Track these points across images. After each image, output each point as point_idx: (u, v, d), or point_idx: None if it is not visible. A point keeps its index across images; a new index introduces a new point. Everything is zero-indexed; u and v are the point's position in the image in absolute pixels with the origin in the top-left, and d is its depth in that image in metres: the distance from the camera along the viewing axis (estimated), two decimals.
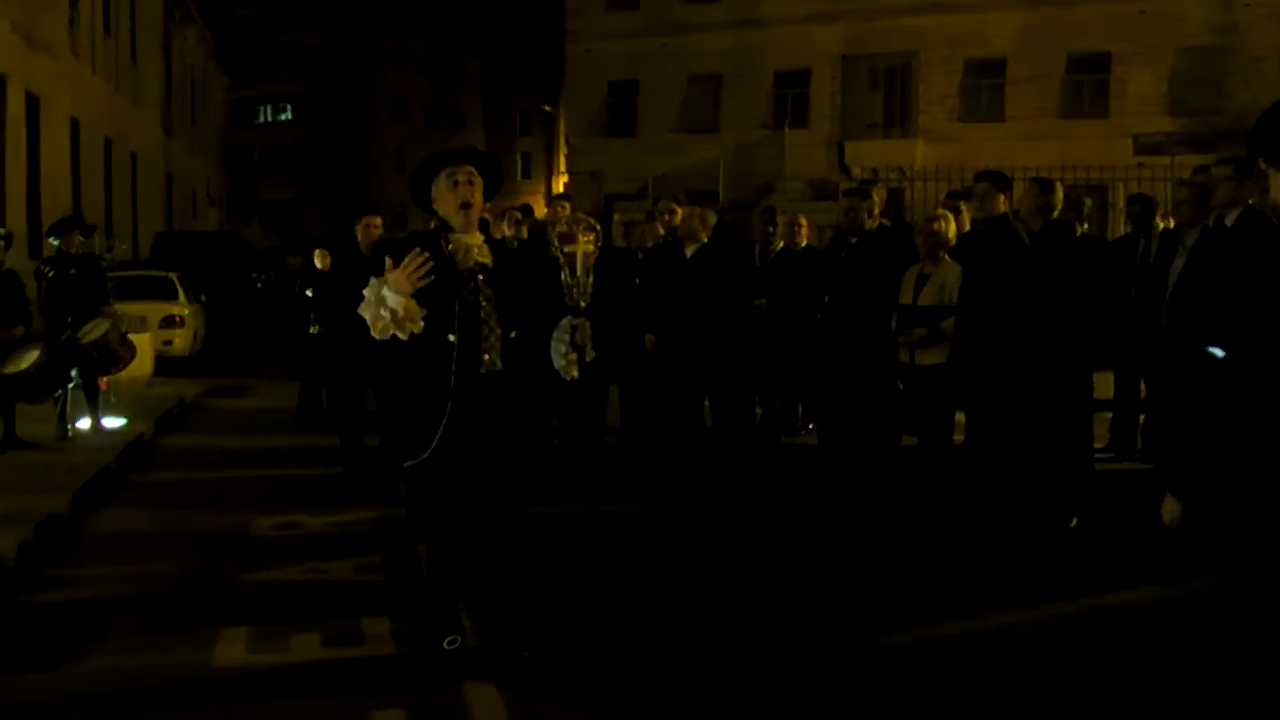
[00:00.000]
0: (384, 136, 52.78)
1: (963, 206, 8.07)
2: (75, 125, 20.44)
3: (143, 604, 5.38)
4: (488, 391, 4.19)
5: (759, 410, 9.39)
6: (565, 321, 4.25)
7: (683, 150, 28.97)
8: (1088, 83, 27.73)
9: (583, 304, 4.23)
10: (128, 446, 9.23)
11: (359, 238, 8.08)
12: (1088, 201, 8.85)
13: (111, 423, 10.03)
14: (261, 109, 54.24)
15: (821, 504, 7.29)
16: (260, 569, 5.96)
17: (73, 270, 9.48)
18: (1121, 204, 14.98)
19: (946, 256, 7.20)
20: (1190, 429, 5.80)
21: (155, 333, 15.11)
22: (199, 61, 35.11)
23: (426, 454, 4.14)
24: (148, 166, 27.03)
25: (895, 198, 20.38)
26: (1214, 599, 5.26)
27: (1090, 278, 6.65)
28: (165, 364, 14.99)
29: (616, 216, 19.00)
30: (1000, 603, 5.32)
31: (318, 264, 11.53)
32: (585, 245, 4.24)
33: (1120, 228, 15.35)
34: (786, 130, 28.76)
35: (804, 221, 9.44)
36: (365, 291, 4.02)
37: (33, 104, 17.87)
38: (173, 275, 16.48)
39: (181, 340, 15.91)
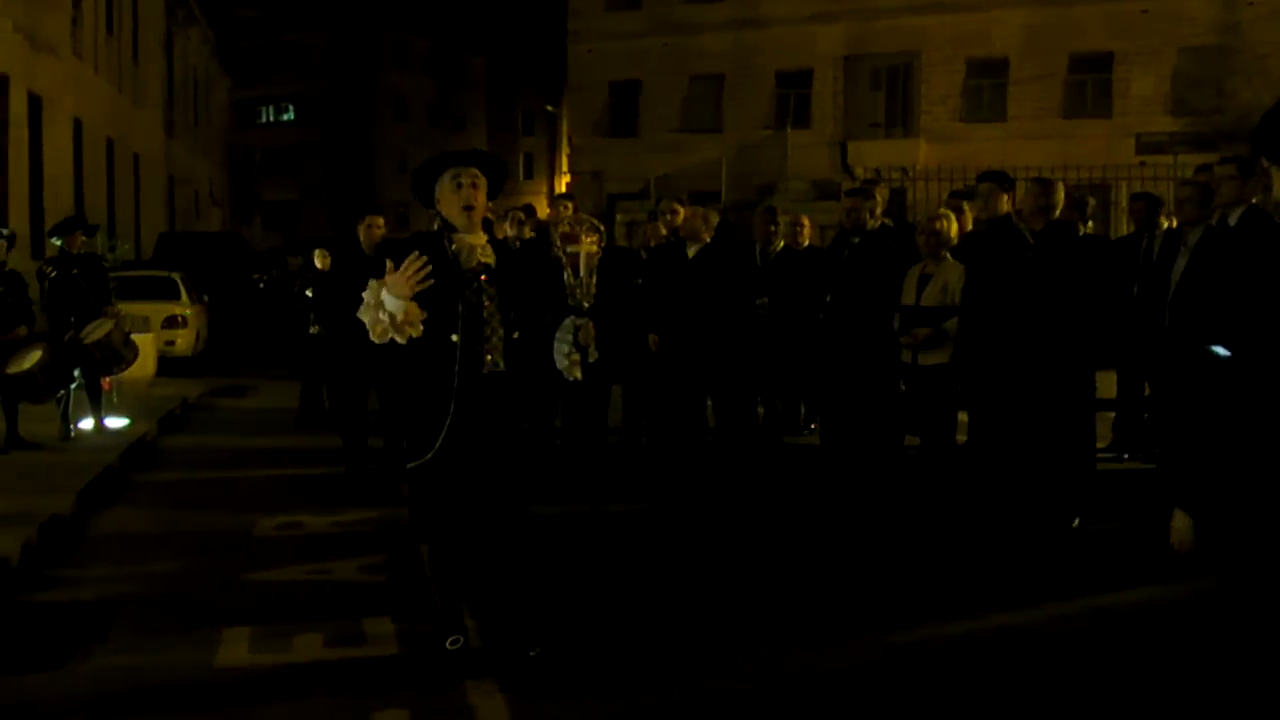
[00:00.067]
0: (386, 137, 52.77)
1: (965, 206, 8.06)
2: (78, 126, 20.45)
3: (145, 604, 5.38)
4: (491, 392, 4.18)
5: (761, 410, 9.39)
6: (568, 322, 4.24)
7: (685, 150, 28.97)
8: (1090, 82, 27.71)
9: (586, 305, 4.22)
10: (130, 446, 9.23)
11: (361, 238, 8.08)
12: (1091, 201, 8.85)
13: (114, 423, 10.04)
14: (264, 109, 54.24)
15: (824, 504, 7.29)
16: (263, 569, 5.97)
17: (75, 270, 9.49)
18: (1124, 203, 14.97)
19: (948, 256, 7.20)
20: (1193, 430, 5.78)
21: (158, 333, 15.12)
22: (201, 62, 35.13)
23: (430, 455, 4.14)
24: (150, 167, 27.05)
25: (898, 198, 20.39)
26: (1217, 599, 5.25)
27: (1093, 277, 6.64)
28: (168, 364, 15.00)
29: (619, 216, 19.00)
30: (1002, 603, 5.31)
31: (317, 264, 11.54)
32: (589, 246, 4.23)
33: (1123, 227, 15.34)
34: (789, 130, 28.75)
35: (806, 221, 9.43)
36: (365, 295, 4.01)
37: (35, 104, 17.88)
38: (175, 275, 16.49)
39: (184, 340, 15.92)
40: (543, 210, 16.29)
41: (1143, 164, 19.60)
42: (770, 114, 29.95)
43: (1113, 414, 8.95)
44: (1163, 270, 6.89)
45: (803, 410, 10.12)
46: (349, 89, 52.20)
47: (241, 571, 5.91)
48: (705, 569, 5.95)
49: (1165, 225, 8.55)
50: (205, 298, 17.22)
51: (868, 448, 7.60)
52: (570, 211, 8.48)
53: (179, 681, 4.35)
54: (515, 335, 4.24)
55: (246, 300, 18.48)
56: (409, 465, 4.24)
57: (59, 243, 9.72)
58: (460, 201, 4.21)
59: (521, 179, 55.26)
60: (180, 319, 15.91)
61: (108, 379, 10.05)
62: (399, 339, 3.99)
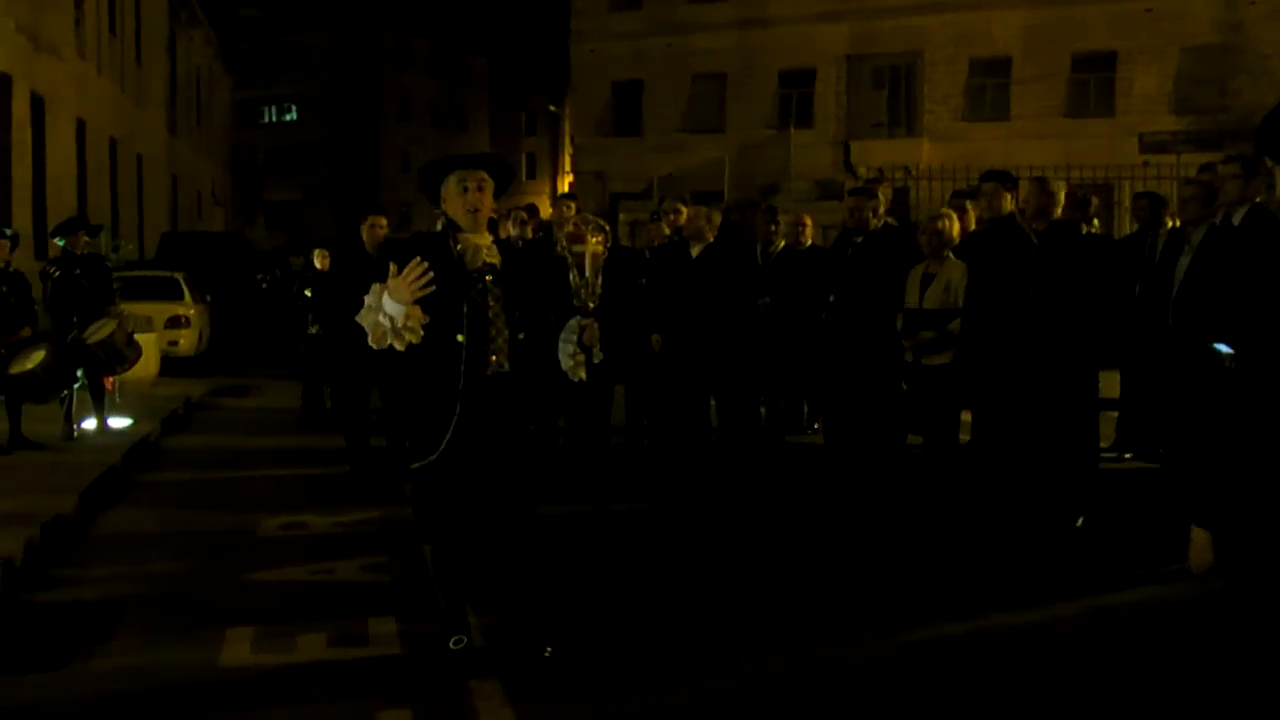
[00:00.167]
0: (389, 137, 52.80)
1: (969, 206, 8.06)
2: (81, 126, 20.47)
3: (148, 604, 5.38)
4: (496, 393, 4.18)
5: (764, 410, 9.38)
6: (573, 322, 4.23)
7: (688, 150, 28.97)
8: (1093, 81, 27.70)
9: (591, 305, 4.21)
10: (133, 447, 9.24)
11: (364, 237, 8.08)
12: (1094, 200, 8.84)
13: (117, 423, 10.05)
14: (267, 109, 54.26)
15: (827, 503, 7.28)
16: (266, 569, 5.97)
17: (78, 271, 9.49)
18: (1127, 203, 14.94)
19: (951, 255, 7.19)
20: (1198, 431, 5.76)
21: (161, 333, 15.14)
22: (204, 62, 35.14)
23: (435, 455, 4.14)
24: (153, 167, 27.06)
25: (900, 197, 20.37)
26: (1223, 599, 5.24)
27: (1096, 277, 6.63)
28: (171, 364, 15.00)
29: (622, 216, 19.01)
30: (1006, 602, 5.30)
31: (317, 264, 11.55)
32: (595, 246, 4.23)
33: (1126, 226, 15.33)
34: (792, 130, 28.75)
35: (809, 221, 9.42)
36: (366, 298, 4.00)
37: (38, 105, 17.90)
38: (178, 275, 16.50)
39: (187, 340, 15.93)
40: (545, 210, 16.26)
41: (1146, 163, 19.54)
42: (773, 113, 29.95)
43: (1116, 413, 8.94)
44: (1166, 269, 6.87)
45: (806, 410, 10.11)
46: (352, 89, 52.23)
47: (245, 571, 5.91)
48: (708, 569, 5.95)
49: (1169, 224, 8.54)
50: (208, 298, 17.23)
51: (871, 447, 7.59)
52: (573, 211, 8.48)
53: (182, 682, 4.35)
54: (521, 336, 4.23)
55: (249, 300, 18.48)
56: (412, 466, 4.23)
57: (62, 243, 9.72)
58: (466, 205, 4.20)
59: (524, 179, 55.24)
60: (183, 319, 15.93)
61: (111, 379, 10.06)
62: (398, 345, 3.97)
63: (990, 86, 28.48)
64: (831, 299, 7.65)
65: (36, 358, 8.80)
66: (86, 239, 10.08)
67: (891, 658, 4.61)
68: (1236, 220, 5.89)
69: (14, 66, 16.65)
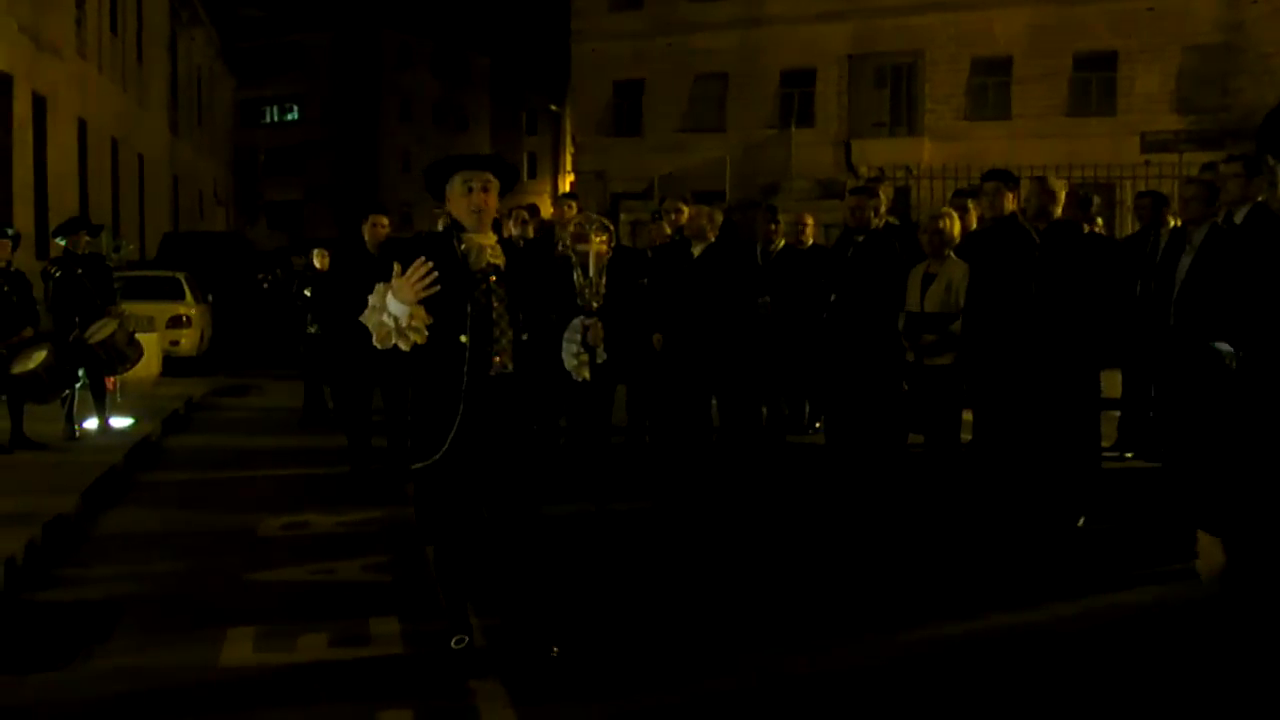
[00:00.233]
0: (390, 136, 52.82)
1: (970, 205, 8.05)
2: (82, 126, 20.49)
3: (150, 604, 5.38)
4: (499, 394, 4.17)
5: (765, 409, 9.38)
6: (577, 322, 4.23)
7: (689, 149, 28.95)
8: (1095, 81, 27.67)
9: (595, 305, 4.21)
10: (135, 446, 9.24)
11: (366, 237, 8.08)
12: (1096, 200, 8.83)
13: (119, 423, 10.05)
14: (268, 109, 54.27)
15: (828, 503, 7.28)
16: (267, 569, 5.96)
17: (80, 270, 9.49)
18: (1129, 202, 14.95)
19: (952, 254, 7.19)
20: (1199, 432, 5.76)
21: (162, 333, 15.15)
22: (206, 62, 35.15)
23: (438, 456, 4.13)
24: (154, 167, 27.08)
25: (902, 196, 20.38)
26: (1223, 599, 5.24)
27: (1098, 276, 6.63)
28: (172, 364, 15.01)
29: (623, 216, 19.02)
30: (1007, 602, 5.30)
31: (316, 264, 11.55)
32: (599, 245, 4.22)
33: (1128, 226, 15.32)
34: (793, 129, 28.73)
35: (810, 220, 9.42)
36: (370, 298, 4.00)
37: (40, 105, 17.91)
38: (180, 275, 16.51)
39: (188, 340, 15.94)
40: (546, 210, 16.27)
41: (1147, 162, 19.55)
42: (774, 113, 29.93)
43: (1117, 413, 8.94)
44: (1168, 268, 6.86)
45: (807, 409, 10.11)
46: (353, 89, 52.24)
47: (246, 571, 5.91)
48: (709, 568, 5.94)
49: (1170, 224, 8.54)
50: (209, 297, 17.24)
51: (872, 447, 7.59)
52: (574, 211, 8.49)
53: (183, 681, 4.35)
54: (524, 337, 4.23)
55: (251, 300, 18.49)
56: (414, 466, 4.23)
57: (63, 243, 9.73)
58: (471, 205, 4.21)
59: (525, 178, 55.23)
60: (185, 319, 15.93)
61: (112, 379, 10.06)
62: (403, 345, 3.97)
63: (991, 86, 28.46)
64: (832, 298, 7.65)
65: (38, 358, 8.81)
66: (88, 239, 10.09)
67: (892, 658, 4.61)
68: (1238, 219, 5.89)
69: (15, 66, 16.66)
